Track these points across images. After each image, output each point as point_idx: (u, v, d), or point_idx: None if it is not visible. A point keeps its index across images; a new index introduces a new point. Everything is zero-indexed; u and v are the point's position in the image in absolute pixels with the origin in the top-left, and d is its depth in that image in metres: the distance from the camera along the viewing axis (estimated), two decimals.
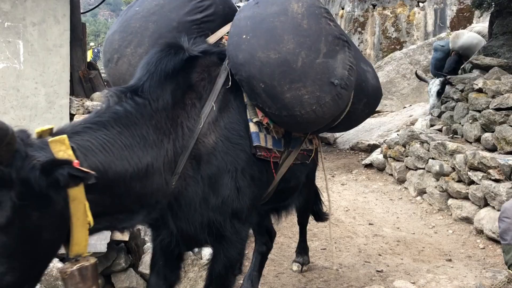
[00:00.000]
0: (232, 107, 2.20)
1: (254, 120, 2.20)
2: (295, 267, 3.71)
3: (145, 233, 3.36)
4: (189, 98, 2.08)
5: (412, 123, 7.20)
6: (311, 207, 3.62)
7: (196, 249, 3.18)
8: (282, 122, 2.22)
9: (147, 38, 2.38)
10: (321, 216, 3.77)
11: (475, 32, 7.89)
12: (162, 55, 2.07)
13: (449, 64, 7.94)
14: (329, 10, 2.33)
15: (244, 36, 2.14)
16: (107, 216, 1.76)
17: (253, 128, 2.19)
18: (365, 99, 2.62)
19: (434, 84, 7.72)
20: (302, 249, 3.78)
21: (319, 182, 6.58)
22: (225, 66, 2.22)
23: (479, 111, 5.11)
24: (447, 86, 6.69)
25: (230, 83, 2.18)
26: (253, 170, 2.19)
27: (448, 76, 7.43)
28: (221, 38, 2.44)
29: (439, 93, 7.56)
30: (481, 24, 8.53)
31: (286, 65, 2.06)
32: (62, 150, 1.55)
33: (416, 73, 8.78)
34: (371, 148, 8.01)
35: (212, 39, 2.44)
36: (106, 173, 1.67)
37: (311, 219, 3.76)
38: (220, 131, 2.10)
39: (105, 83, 5.80)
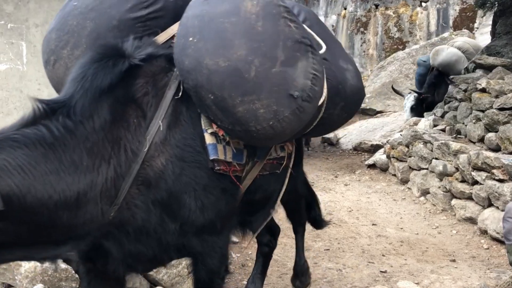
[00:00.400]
0: (184, 119, 1.95)
1: (209, 131, 1.96)
2: None
3: None
4: (133, 115, 1.85)
5: (415, 123, 7.17)
6: (304, 216, 3.30)
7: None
8: (238, 136, 1.97)
9: (84, 38, 2.08)
10: (319, 223, 3.44)
11: (456, 47, 7.74)
12: (99, 68, 1.81)
13: (429, 80, 7.95)
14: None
15: (190, 39, 1.85)
16: (23, 247, 1.58)
17: (209, 139, 1.95)
18: (342, 103, 2.28)
19: (409, 100, 7.92)
20: (299, 267, 3.28)
21: (321, 182, 6.60)
22: (176, 74, 1.96)
23: (483, 111, 5.09)
24: (450, 86, 6.68)
25: (181, 93, 1.93)
26: (221, 183, 2.00)
27: (423, 95, 7.71)
28: (173, 36, 2.10)
29: (413, 109, 7.83)
30: (462, 38, 8.37)
31: (237, 74, 1.77)
32: None
33: (392, 87, 8.90)
34: (374, 149, 7.99)
35: (162, 37, 2.14)
36: (23, 198, 1.49)
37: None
38: (170, 151, 1.87)
39: None
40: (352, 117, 2.59)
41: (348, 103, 2.35)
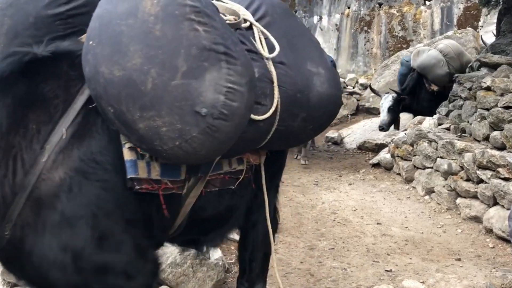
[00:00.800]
0: (98, 131, 1.68)
1: (127, 145, 1.69)
2: None
3: None
4: (34, 121, 1.61)
5: (420, 122, 7.16)
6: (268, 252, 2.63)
7: (204, 249, 3.03)
8: (151, 154, 1.72)
9: (2, 36, 1.85)
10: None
11: (439, 49, 7.54)
12: None
13: (408, 81, 7.85)
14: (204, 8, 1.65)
15: (90, 43, 1.61)
16: None
17: (128, 155, 1.68)
18: (303, 114, 1.98)
19: (387, 100, 7.83)
20: None
21: (325, 181, 6.60)
22: None
23: (488, 110, 5.07)
24: (454, 85, 6.65)
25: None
26: (132, 211, 1.73)
27: (401, 96, 7.64)
28: None
29: (390, 109, 7.76)
30: (445, 41, 8.11)
31: (133, 86, 1.52)
32: None
33: (369, 86, 8.86)
34: (379, 148, 7.98)
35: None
36: None
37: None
38: (71, 164, 1.60)
39: None
40: (325, 128, 2.28)
41: (313, 114, 2.02)
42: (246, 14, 1.98)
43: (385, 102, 7.85)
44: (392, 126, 8.15)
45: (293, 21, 2.18)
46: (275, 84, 1.86)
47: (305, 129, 2.06)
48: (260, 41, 1.91)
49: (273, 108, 1.85)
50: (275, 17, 2.06)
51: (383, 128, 7.87)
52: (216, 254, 3.21)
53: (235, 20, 1.90)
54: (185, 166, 1.83)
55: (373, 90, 8.77)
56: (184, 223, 1.98)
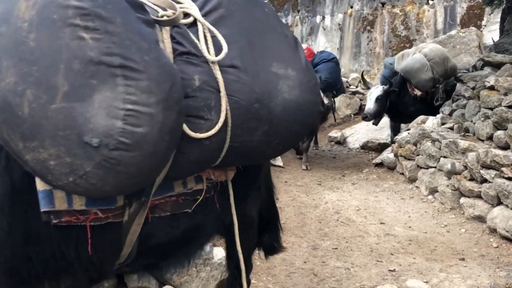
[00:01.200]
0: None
1: None
2: None
3: None
4: None
5: (423, 122, 7.14)
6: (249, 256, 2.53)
7: (208, 248, 3.13)
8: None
9: None
10: (272, 250, 2.75)
11: (424, 53, 7.28)
12: None
13: (394, 85, 7.56)
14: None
15: None
16: None
17: (40, 185, 1.44)
18: (264, 127, 1.62)
19: (377, 90, 7.53)
20: None
21: (329, 181, 6.59)
22: None
23: (491, 109, 5.06)
24: (457, 84, 6.63)
25: None
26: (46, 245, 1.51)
27: (393, 88, 7.36)
28: None
29: (378, 99, 7.43)
30: (430, 45, 7.82)
31: (9, 111, 1.25)
32: None
33: (361, 75, 8.47)
34: (382, 147, 7.97)
35: None
36: None
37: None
38: None
39: None
40: (300, 141, 1.99)
41: (278, 126, 1.66)
42: (189, 7, 1.64)
43: (375, 91, 7.54)
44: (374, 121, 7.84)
45: (258, 13, 1.76)
46: (222, 93, 1.53)
47: (269, 144, 1.70)
48: (206, 40, 1.58)
49: (220, 123, 1.53)
50: (231, 10, 1.69)
51: (366, 116, 7.53)
52: (219, 253, 3.21)
53: (173, 14, 1.55)
54: None
55: (363, 80, 8.49)
56: (135, 250, 1.73)
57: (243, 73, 1.59)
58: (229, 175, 1.88)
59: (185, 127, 1.47)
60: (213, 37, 1.59)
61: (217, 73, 1.54)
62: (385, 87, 7.50)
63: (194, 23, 1.61)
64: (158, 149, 1.35)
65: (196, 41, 1.57)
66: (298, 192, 5.98)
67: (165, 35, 1.53)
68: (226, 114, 1.54)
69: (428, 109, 7.25)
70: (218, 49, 1.57)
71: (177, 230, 1.82)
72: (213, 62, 1.55)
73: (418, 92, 7.31)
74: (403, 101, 7.52)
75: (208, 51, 1.56)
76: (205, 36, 1.59)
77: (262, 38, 1.69)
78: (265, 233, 2.61)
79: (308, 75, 1.76)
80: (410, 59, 7.33)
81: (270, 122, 1.63)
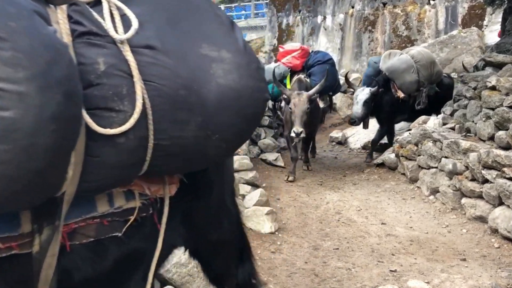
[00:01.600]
0: None
1: None
2: None
3: None
4: None
5: (424, 122, 7.13)
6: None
7: None
8: None
9: None
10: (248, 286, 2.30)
11: (411, 55, 7.21)
12: None
13: (379, 82, 7.40)
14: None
15: None
16: None
17: None
18: (197, 119, 1.33)
19: (363, 93, 7.33)
20: None
21: (330, 181, 6.59)
22: None
23: (493, 109, 5.05)
24: (459, 84, 6.62)
25: None
26: None
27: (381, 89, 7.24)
28: None
29: (366, 103, 7.25)
30: (418, 48, 7.75)
31: None
32: None
33: (345, 77, 8.24)
34: (383, 147, 7.96)
35: None
36: None
37: None
38: None
39: None
40: (247, 139, 1.69)
41: (215, 117, 1.36)
42: None
43: (361, 94, 7.33)
44: (362, 125, 7.73)
45: None
46: (136, 78, 1.24)
47: (208, 141, 1.38)
48: (112, 19, 1.30)
49: (136, 114, 1.23)
50: None
51: (355, 121, 7.39)
52: None
53: None
54: (28, 213, 1.21)
55: (348, 82, 8.16)
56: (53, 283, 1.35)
57: (163, 54, 1.30)
58: (170, 190, 1.54)
59: (90, 121, 1.18)
60: (123, 15, 1.32)
61: (128, 54, 1.25)
62: (372, 89, 7.30)
63: (98, 2, 1.33)
64: (38, 142, 1.02)
65: (101, 19, 1.29)
66: (299, 192, 5.98)
67: (60, 15, 1.24)
68: (144, 103, 1.25)
69: (408, 112, 7.28)
70: (128, 29, 1.29)
71: (105, 260, 1.45)
72: (121, 42, 1.26)
73: (401, 94, 7.23)
74: (382, 99, 7.39)
75: (116, 30, 1.27)
76: (111, 14, 1.31)
77: (187, 18, 1.42)
78: (237, 267, 2.22)
79: (247, 57, 1.46)
80: (396, 59, 7.23)
81: (204, 113, 1.33)
